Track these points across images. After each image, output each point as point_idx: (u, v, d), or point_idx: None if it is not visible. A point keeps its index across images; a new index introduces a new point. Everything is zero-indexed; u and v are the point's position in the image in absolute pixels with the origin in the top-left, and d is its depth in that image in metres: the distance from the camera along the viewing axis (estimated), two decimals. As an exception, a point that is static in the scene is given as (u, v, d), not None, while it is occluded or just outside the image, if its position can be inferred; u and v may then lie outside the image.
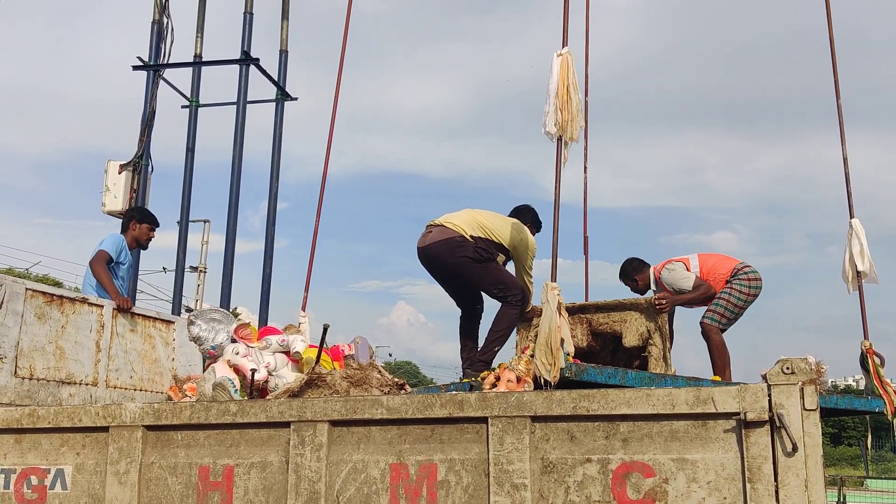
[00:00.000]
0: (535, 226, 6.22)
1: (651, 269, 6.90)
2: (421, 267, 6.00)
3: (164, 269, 28.62)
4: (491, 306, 6.06)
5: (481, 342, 5.89)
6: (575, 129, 4.60)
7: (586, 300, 7.31)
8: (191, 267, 28.14)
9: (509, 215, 6.16)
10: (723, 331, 6.53)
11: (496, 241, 5.79)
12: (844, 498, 18.81)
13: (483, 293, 5.93)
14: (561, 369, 4.00)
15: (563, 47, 4.68)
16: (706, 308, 6.62)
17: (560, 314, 4.04)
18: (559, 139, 4.57)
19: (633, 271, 7.02)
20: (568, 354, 4.12)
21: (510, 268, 6.00)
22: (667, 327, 6.00)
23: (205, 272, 28.39)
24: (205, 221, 27.15)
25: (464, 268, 5.70)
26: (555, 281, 4.25)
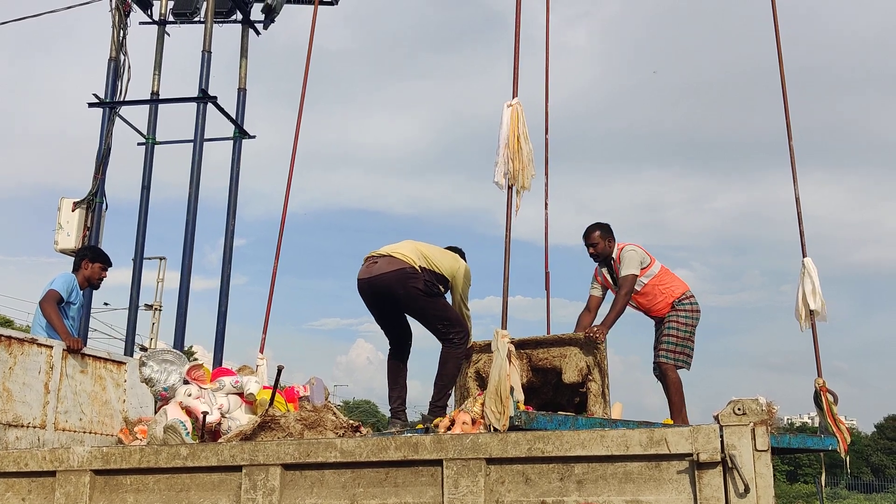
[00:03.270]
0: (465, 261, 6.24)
1: (616, 244, 6.68)
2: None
3: (106, 303, 28.09)
4: (422, 346, 6.05)
5: (409, 381, 5.91)
6: (526, 177, 4.63)
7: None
8: (146, 305, 27.72)
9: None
10: (679, 367, 6.51)
11: (438, 271, 5.78)
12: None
13: (427, 327, 5.85)
14: (510, 417, 3.99)
15: (513, 98, 4.74)
16: (659, 348, 6.58)
17: (510, 362, 4.04)
18: (510, 188, 4.62)
19: (602, 234, 6.72)
20: (518, 402, 4.11)
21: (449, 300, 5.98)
22: (606, 363, 5.95)
23: (160, 310, 27.92)
24: (161, 258, 26.77)
25: (413, 300, 5.65)
26: (505, 328, 4.25)
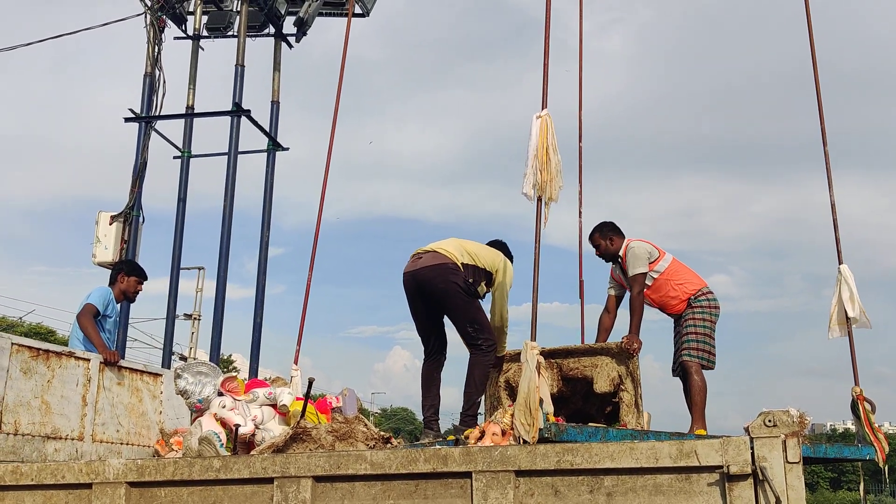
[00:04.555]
0: (509, 258, 6.26)
1: (625, 241, 6.55)
2: None
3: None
4: (458, 353, 6.06)
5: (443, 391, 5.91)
6: (554, 189, 4.63)
7: (582, 343, 7.13)
8: (185, 314, 28.07)
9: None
10: (704, 367, 6.28)
11: (481, 266, 5.82)
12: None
13: (458, 327, 5.87)
14: (540, 430, 3.99)
15: (542, 109, 4.75)
16: (682, 347, 6.34)
17: (539, 374, 4.04)
18: (539, 199, 4.62)
19: (601, 234, 6.61)
20: (547, 414, 4.10)
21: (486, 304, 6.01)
22: (638, 372, 5.90)
23: (199, 319, 28.24)
24: (199, 269, 27.10)
25: (451, 296, 5.67)
26: (534, 339, 4.25)
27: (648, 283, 6.41)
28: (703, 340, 6.28)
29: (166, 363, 10.76)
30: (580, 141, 8.65)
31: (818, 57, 6.23)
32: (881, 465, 5.65)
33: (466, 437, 4.39)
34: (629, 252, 6.42)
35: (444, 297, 5.72)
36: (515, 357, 5.70)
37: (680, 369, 6.36)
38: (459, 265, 5.71)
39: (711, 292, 6.46)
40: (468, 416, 5.56)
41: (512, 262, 6.27)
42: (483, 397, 5.93)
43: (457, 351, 6.19)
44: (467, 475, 3.45)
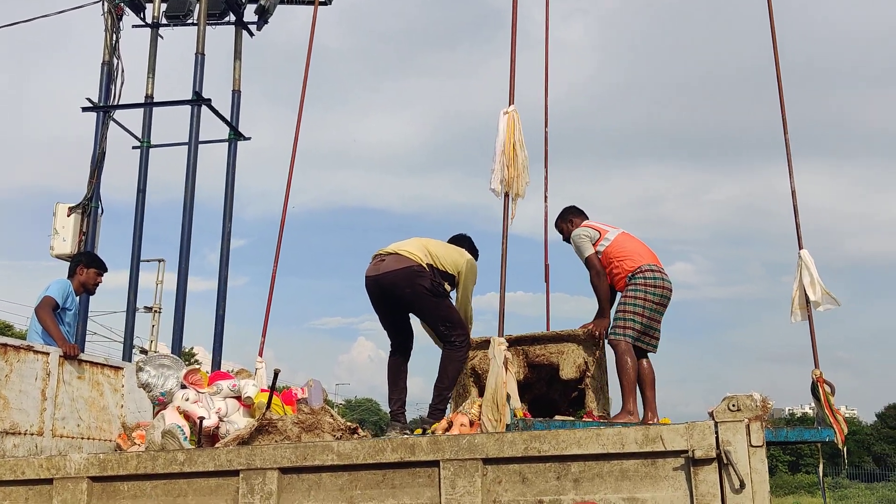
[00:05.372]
0: (473, 253, 6.24)
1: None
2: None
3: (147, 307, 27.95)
4: (424, 344, 6.04)
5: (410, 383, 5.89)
6: (521, 185, 4.65)
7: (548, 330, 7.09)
8: (145, 307, 27.73)
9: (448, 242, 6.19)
10: (641, 349, 5.92)
11: (442, 268, 5.78)
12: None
13: (429, 327, 5.86)
14: (507, 425, 4.00)
15: (509, 105, 4.76)
16: (611, 324, 6.04)
17: (507, 369, 4.05)
18: (506, 195, 4.62)
19: (562, 220, 6.50)
20: (515, 409, 4.12)
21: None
22: (605, 359, 5.88)
23: (160, 312, 27.93)
24: (160, 261, 26.81)
25: (419, 298, 5.64)
26: (502, 335, 4.26)
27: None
28: (630, 318, 5.90)
29: (127, 356, 10.63)
30: (546, 126, 8.65)
31: (779, 48, 6.30)
32: (840, 446, 5.73)
33: (433, 433, 4.38)
34: (574, 242, 6.32)
35: (412, 300, 5.68)
36: (481, 345, 5.71)
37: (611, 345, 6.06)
38: (424, 266, 5.66)
39: (654, 270, 6.07)
40: (437, 410, 5.55)
41: (477, 257, 6.25)
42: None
43: (426, 340, 6.19)
44: (435, 464, 3.45)
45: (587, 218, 6.51)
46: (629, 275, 6.03)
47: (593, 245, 6.19)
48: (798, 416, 59.47)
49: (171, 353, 8.85)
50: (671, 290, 6.12)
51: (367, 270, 5.86)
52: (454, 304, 5.92)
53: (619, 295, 6.10)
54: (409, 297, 5.65)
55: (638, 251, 6.18)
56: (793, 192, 6.02)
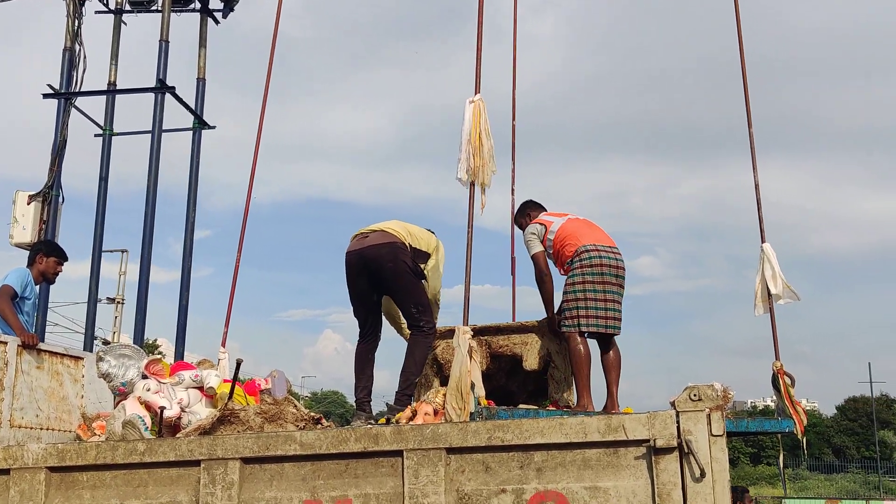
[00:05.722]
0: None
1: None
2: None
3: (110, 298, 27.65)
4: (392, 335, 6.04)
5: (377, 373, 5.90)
6: (487, 174, 4.65)
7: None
8: (108, 298, 27.43)
9: None
10: (600, 335, 5.75)
11: (418, 247, 5.83)
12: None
13: (401, 307, 5.85)
14: (471, 413, 4.01)
15: (475, 94, 4.77)
16: (559, 314, 5.90)
17: (471, 358, 4.06)
18: (472, 184, 4.62)
19: (520, 215, 6.42)
20: (479, 397, 4.13)
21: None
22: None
23: (122, 303, 27.64)
24: (122, 251, 26.53)
25: (399, 275, 5.64)
26: (466, 324, 4.27)
27: (550, 250, 6.07)
28: (573, 306, 5.72)
29: (88, 347, 10.50)
30: (514, 119, 8.68)
31: (744, 42, 6.35)
32: (799, 436, 5.81)
33: (397, 422, 4.38)
34: (524, 240, 6.21)
35: (392, 275, 5.68)
36: (445, 334, 5.71)
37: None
38: (407, 245, 5.71)
39: (592, 249, 5.81)
40: (404, 396, 5.55)
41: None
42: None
43: (389, 332, 6.18)
44: (398, 454, 3.44)
45: (545, 210, 6.40)
46: (569, 260, 5.87)
47: (542, 241, 6.06)
48: (760, 408, 60.36)
49: (134, 344, 8.75)
50: (617, 266, 5.84)
51: (348, 248, 5.86)
52: (426, 280, 5.95)
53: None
54: (390, 271, 5.65)
55: (579, 233, 5.96)
56: (756, 186, 6.08)
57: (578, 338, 5.64)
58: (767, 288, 5.92)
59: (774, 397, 5.92)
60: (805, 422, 5.81)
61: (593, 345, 5.80)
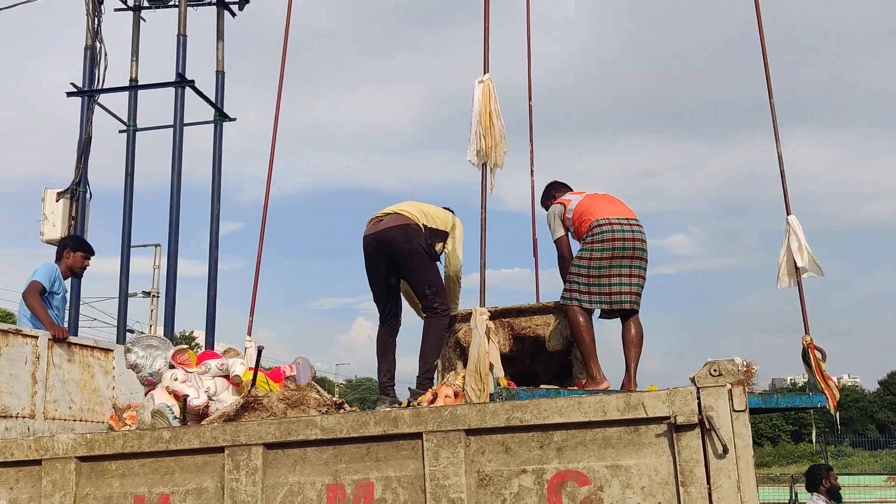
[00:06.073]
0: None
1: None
2: None
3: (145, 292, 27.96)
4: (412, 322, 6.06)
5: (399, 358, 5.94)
6: (499, 155, 4.61)
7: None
8: (143, 292, 27.76)
9: None
10: (588, 308, 5.59)
11: (435, 226, 5.87)
12: (796, 496, 18.98)
13: (415, 289, 5.87)
14: (491, 394, 4.00)
15: (484, 74, 4.73)
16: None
17: (489, 339, 4.05)
18: (484, 165, 4.59)
19: (545, 198, 6.38)
20: (498, 378, 4.12)
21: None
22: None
23: (157, 297, 27.96)
24: (155, 245, 26.78)
25: (414, 256, 5.67)
26: (483, 305, 4.25)
27: (571, 230, 5.97)
28: (573, 280, 5.61)
29: (120, 340, 10.62)
30: (530, 100, 8.61)
31: (768, 12, 6.25)
32: (832, 412, 5.72)
33: (419, 404, 4.39)
34: (547, 222, 6.14)
35: (406, 257, 5.72)
36: (466, 317, 5.71)
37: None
38: (421, 226, 5.74)
39: (604, 224, 5.64)
40: (425, 380, 5.59)
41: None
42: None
43: (413, 318, 6.19)
44: (418, 436, 3.45)
45: (570, 190, 6.32)
46: (583, 236, 5.74)
47: (562, 220, 5.97)
48: (800, 385, 59.81)
49: (164, 336, 8.84)
50: (633, 238, 5.64)
51: (364, 232, 5.91)
52: (446, 257, 6.00)
53: None
54: (405, 252, 5.69)
55: (594, 207, 5.81)
56: (779, 157, 6.01)
57: (577, 309, 5.55)
58: (794, 260, 5.84)
59: (805, 371, 5.85)
60: (838, 396, 5.71)
61: (615, 322, 5.70)
